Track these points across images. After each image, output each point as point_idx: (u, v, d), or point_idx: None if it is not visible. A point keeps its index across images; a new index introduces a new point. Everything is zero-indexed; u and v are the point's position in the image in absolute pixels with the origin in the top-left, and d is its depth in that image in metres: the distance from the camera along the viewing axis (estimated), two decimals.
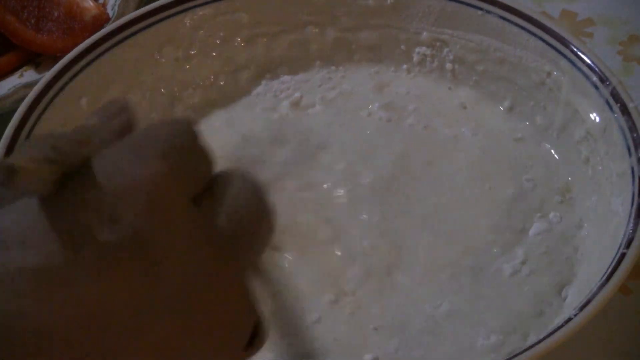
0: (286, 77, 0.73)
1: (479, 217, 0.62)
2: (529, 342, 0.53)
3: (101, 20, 0.77)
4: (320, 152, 0.67)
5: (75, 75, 0.63)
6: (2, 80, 0.78)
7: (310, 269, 0.60)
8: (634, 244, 0.50)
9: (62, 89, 0.62)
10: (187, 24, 0.70)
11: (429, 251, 0.60)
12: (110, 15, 0.78)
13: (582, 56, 0.62)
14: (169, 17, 0.69)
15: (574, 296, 0.55)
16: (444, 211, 0.63)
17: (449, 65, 0.72)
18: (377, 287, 0.58)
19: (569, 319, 0.47)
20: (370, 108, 0.70)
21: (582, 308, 0.47)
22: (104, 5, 0.81)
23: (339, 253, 0.60)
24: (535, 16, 0.66)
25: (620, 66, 0.77)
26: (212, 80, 0.72)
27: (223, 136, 0.68)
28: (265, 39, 0.73)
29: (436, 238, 0.61)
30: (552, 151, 0.66)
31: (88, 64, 0.64)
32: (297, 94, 0.72)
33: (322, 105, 0.71)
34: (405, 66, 0.73)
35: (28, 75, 0.78)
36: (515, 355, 0.47)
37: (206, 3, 0.70)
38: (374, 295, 0.58)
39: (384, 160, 0.66)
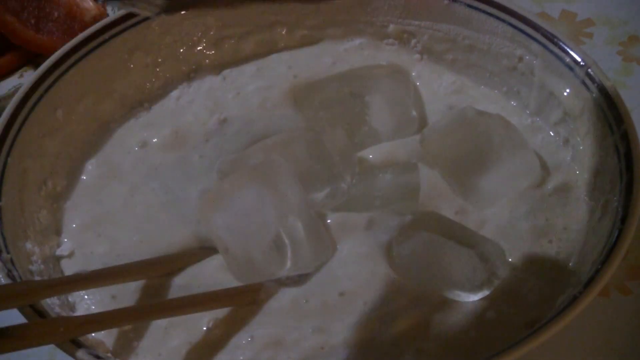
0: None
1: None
2: None
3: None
4: None
5: (49, 87, 0.62)
6: (2, 80, 0.79)
7: None
8: (629, 221, 0.50)
9: (37, 101, 0.61)
10: (156, 30, 0.69)
11: None
12: (111, 15, 0.76)
13: (554, 38, 0.62)
14: (138, 23, 0.68)
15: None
16: None
17: (417, 57, 0.72)
18: None
19: (575, 297, 0.47)
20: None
21: (586, 285, 0.47)
22: (104, 5, 0.81)
23: None
24: (502, 2, 0.66)
25: (620, 66, 0.77)
26: (181, 82, 0.72)
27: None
28: (232, 41, 0.72)
29: None
30: (528, 135, 0.66)
31: (62, 75, 0.63)
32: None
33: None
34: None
35: (28, 75, 0.78)
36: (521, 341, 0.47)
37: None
38: None
39: None
